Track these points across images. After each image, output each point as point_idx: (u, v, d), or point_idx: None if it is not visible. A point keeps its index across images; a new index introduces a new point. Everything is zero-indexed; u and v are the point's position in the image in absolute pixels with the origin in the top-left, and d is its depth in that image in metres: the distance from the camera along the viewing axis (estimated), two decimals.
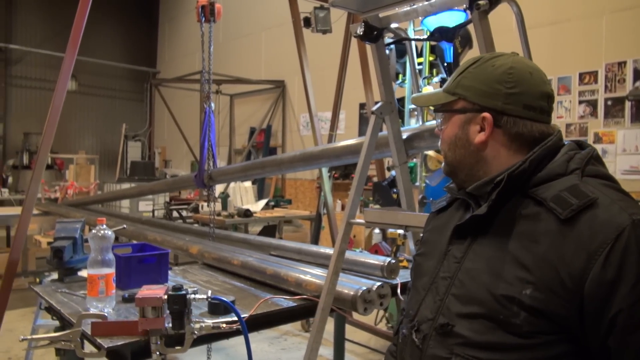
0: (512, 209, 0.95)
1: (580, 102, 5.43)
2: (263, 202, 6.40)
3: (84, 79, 12.00)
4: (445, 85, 1.08)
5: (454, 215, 1.11)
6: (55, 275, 2.32)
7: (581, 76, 5.43)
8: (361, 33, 1.83)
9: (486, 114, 0.99)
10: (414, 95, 1.15)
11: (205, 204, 5.73)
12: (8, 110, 11.79)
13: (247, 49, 10.34)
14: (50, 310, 2.01)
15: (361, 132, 7.95)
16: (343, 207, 6.97)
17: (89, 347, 1.61)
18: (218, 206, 5.37)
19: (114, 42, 13.04)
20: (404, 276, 2.27)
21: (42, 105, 11.68)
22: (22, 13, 11.91)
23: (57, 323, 2.04)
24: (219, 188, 5.89)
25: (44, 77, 12.04)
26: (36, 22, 12.05)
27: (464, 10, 1.86)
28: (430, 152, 2.96)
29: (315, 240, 4.81)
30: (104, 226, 1.82)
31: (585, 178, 0.93)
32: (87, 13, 2.69)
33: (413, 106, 3.08)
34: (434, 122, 2.16)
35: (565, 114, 5.46)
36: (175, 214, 6.99)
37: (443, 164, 1.11)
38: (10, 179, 11.16)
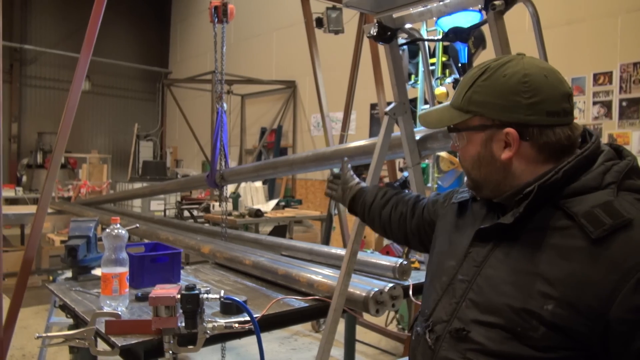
0: (542, 220, 0.92)
1: (595, 103, 5.37)
2: (274, 202, 6.41)
3: (97, 79, 12.13)
4: (453, 101, 1.02)
5: (476, 216, 1.08)
6: (69, 274, 2.34)
7: (595, 77, 5.37)
8: (375, 34, 1.82)
9: (510, 130, 0.93)
10: (421, 114, 1.10)
11: (216, 203, 5.76)
12: (22, 110, 11.95)
13: (258, 50, 10.37)
14: (65, 308, 2.03)
15: (372, 133, 7.94)
16: None
17: (102, 346, 1.62)
18: (229, 206, 5.38)
19: (127, 42, 13.16)
20: (415, 277, 2.26)
21: (56, 105, 11.83)
22: (37, 14, 12.06)
23: (70, 321, 2.05)
24: (230, 188, 5.90)
25: (58, 77, 12.19)
26: (50, 23, 12.20)
27: (479, 11, 1.85)
28: (443, 153, 2.94)
29: (326, 241, 4.81)
30: (118, 225, 1.83)
31: (621, 193, 0.89)
32: (101, 14, 2.71)
33: (426, 107, 3.06)
34: None
35: (580, 115, 5.40)
36: (186, 213, 7.03)
37: (466, 179, 1.08)
38: (24, 178, 11.31)
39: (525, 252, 0.91)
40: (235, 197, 5.93)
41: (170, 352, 1.55)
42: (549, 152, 0.95)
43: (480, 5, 1.57)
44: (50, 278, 2.44)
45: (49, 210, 5.17)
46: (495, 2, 1.48)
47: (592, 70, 5.38)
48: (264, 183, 7.18)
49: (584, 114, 5.39)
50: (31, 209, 6.08)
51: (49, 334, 1.61)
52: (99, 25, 2.72)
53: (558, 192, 0.91)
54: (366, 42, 4.31)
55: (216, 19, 3.18)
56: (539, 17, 1.74)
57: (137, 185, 7.90)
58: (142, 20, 13.48)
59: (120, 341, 1.52)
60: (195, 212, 6.87)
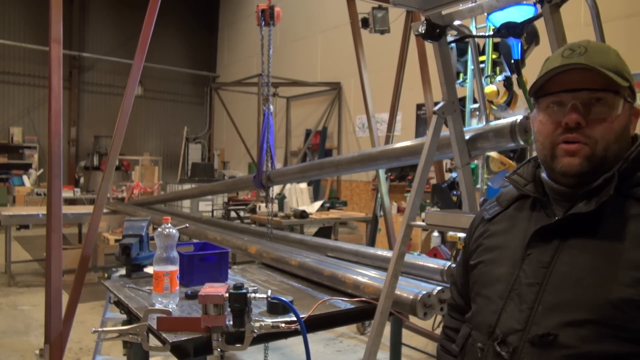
0: (614, 209, 0.89)
1: None
2: (318, 203, 6.43)
3: (148, 84, 12.58)
4: (600, 62, 0.90)
5: (518, 217, 1.02)
6: (123, 271, 2.43)
7: None
8: (423, 31, 1.79)
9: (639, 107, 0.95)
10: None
11: (262, 204, 5.84)
12: (80, 115, 12.56)
13: (304, 52, 10.44)
14: (119, 304, 2.11)
15: (418, 134, 7.82)
16: (399, 209, 6.88)
17: (153, 341, 1.66)
18: (275, 207, 5.44)
19: (176, 48, 13.58)
20: None
21: (111, 110, 12.37)
22: (93, 24, 12.67)
23: (124, 316, 2.13)
24: (275, 189, 5.96)
25: (113, 83, 12.74)
26: (105, 33, 12.78)
27: (533, 5, 1.78)
28: (493, 154, 2.85)
29: (372, 243, 4.77)
30: (170, 225, 1.88)
31: None
32: (153, 23, 2.80)
33: (475, 106, 2.98)
34: (497, 122, 2.07)
35: None
36: (233, 214, 7.16)
37: (589, 155, 0.91)
38: (81, 180, 11.88)
39: (605, 242, 0.88)
40: (281, 198, 5.99)
41: (219, 349, 1.57)
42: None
43: None
44: (105, 275, 2.54)
45: (105, 211, 5.40)
46: None
47: None
48: (309, 184, 7.22)
49: None
50: (88, 209, 6.37)
51: (105, 329, 1.67)
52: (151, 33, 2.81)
53: (626, 181, 0.90)
54: (412, 42, 4.25)
55: (263, 22, 3.22)
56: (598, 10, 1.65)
57: (187, 186, 8.12)
58: (191, 27, 13.87)
59: (171, 337, 1.56)
60: (241, 213, 6.99)
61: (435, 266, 2.19)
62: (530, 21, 1.66)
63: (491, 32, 2.20)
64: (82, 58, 12.34)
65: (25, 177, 10.70)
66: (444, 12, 1.84)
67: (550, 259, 0.92)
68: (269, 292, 1.60)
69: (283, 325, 1.59)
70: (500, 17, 1.83)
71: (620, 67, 0.92)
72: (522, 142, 1.85)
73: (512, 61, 2.04)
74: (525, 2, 1.69)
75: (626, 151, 0.93)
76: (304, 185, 6.77)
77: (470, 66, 2.93)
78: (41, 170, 10.90)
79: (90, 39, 12.59)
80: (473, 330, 1.03)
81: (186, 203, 7.61)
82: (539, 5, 1.52)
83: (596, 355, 0.83)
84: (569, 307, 0.87)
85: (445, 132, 2.02)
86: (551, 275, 0.91)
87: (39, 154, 11.35)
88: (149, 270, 2.29)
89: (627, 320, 0.82)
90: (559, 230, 0.93)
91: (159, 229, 1.87)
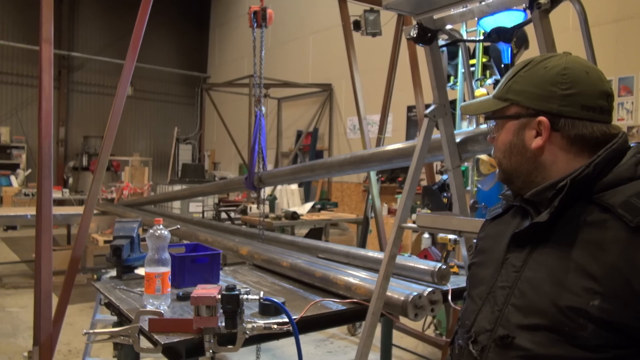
0: (575, 216, 0.91)
1: None
2: (309, 204, 6.43)
3: (139, 85, 12.51)
4: (495, 91, 1.05)
5: (510, 223, 1.07)
6: (113, 273, 2.42)
7: None
8: (415, 35, 1.80)
9: (542, 118, 0.95)
10: (463, 104, 1.15)
11: (253, 205, 5.83)
12: (69, 115, 12.45)
13: (295, 53, 10.45)
14: (109, 305, 2.10)
15: (409, 135, 7.86)
16: (389, 211, 6.90)
17: (145, 343, 1.66)
18: (266, 208, 5.43)
19: (167, 48, 13.51)
20: (454, 282, 2.23)
21: (100, 110, 12.28)
22: (83, 23, 12.57)
23: (114, 318, 2.12)
24: (266, 190, 5.95)
25: (102, 82, 12.65)
26: (95, 32, 12.69)
27: (523, 10, 1.81)
28: (483, 156, 2.88)
29: (363, 244, 4.79)
30: (161, 226, 1.88)
31: None
32: (145, 22, 2.79)
33: None
34: None
35: (627, 116, 5.17)
36: (223, 215, 7.14)
37: (498, 171, 1.09)
38: (70, 180, 11.77)
39: (562, 249, 0.90)
40: (272, 199, 5.99)
41: (211, 351, 1.57)
42: (582, 146, 0.95)
43: (524, 4, 1.53)
44: (95, 277, 2.52)
45: (94, 211, 5.35)
46: (541, 1, 1.44)
47: None
48: (299, 186, 7.22)
49: (632, 114, 5.16)
50: (77, 209, 6.32)
51: (96, 331, 1.66)
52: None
53: (591, 187, 0.92)
54: (404, 44, 4.27)
55: (255, 24, 3.22)
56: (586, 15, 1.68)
57: (177, 187, 8.08)
58: (182, 27, 13.81)
59: (162, 339, 1.56)
60: (232, 214, 6.97)
61: (426, 267, 2.21)
62: (520, 26, 1.69)
63: (482, 37, 2.23)
64: (71, 57, 12.24)
65: (13, 178, 10.59)
66: (435, 17, 1.86)
67: (521, 263, 0.96)
68: (261, 293, 1.61)
69: (275, 326, 1.59)
70: (490, 22, 1.86)
71: (512, 87, 1.00)
72: None
73: (502, 65, 2.06)
74: (515, 7, 1.72)
75: (527, 163, 0.99)
76: (294, 186, 6.77)
77: (460, 69, 2.96)
78: (29, 171, 10.79)
79: (79, 38, 12.49)
80: (459, 328, 1.08)
81: (176, 204, 7.57)
82: (528, 11, 1.54)
83: (548, 358, 0.86)
84: (528, 311, 0.91)
85: (436, 134, 2.04)
86: (519, 279, 0.95)
87: (27, 154, 11.23)
88: (140, 271, 2.28)
89: (575, 328, 0.84)
90: (530, 237, 0.97)
91: (150, 231, 1.86)
